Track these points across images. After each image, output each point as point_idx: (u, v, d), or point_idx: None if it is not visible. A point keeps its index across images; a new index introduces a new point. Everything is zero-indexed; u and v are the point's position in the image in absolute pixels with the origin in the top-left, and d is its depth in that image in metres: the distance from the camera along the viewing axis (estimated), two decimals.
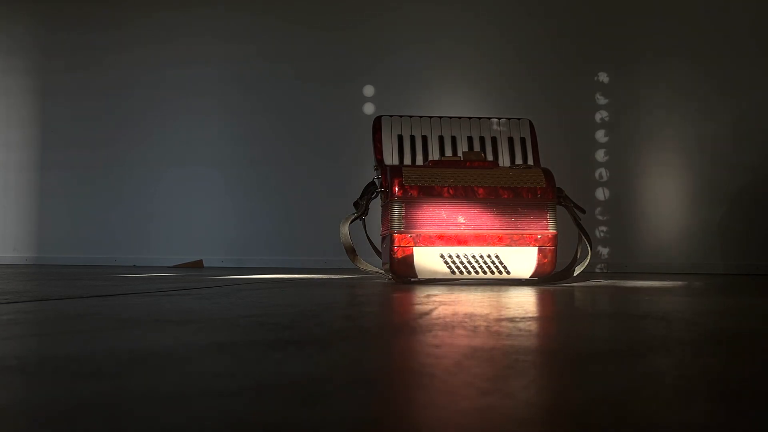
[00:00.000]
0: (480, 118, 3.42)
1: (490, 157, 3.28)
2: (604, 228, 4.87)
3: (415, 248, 2.82)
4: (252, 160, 5.46)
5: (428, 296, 2.10)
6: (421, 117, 3.37)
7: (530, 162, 3.30)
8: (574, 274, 3.07)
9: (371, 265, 3.33)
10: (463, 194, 2.85)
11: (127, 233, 5.62)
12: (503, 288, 2.58)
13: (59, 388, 0.74)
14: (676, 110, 4.89)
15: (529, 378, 0.82)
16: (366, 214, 3.11)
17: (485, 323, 1.35)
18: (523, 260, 2.86)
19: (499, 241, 2.84)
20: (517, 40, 5.14)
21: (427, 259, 2.83)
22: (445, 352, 1.01)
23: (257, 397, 0.70)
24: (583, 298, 2.22)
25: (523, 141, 3.36)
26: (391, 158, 3.23)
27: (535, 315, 1.57)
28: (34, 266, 5.06)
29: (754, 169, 4.78)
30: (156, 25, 5.71)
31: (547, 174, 2.94)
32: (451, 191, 2.84)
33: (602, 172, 4.93)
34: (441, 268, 2.84)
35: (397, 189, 2.83)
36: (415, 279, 2.93)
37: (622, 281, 3.31)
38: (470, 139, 3.34)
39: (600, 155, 4.94)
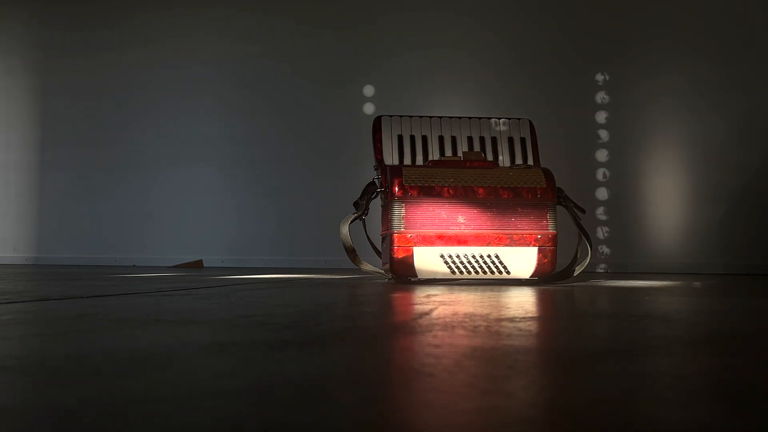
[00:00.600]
0: (480, 118, 3.42)
1: (490, 157, 3.28)
2: (604, 228, 4.87)
3: (415, 248, 2.82)
4: (252, 159, 5.46)
5: (428, 296, 2.10)
6: (421, 117, 3.37)
7: (530, 162, 3.30)
8: (574, 274, 3.07)
9: (371, 265, 3.33)
10: (463, 194, 2.85)
11: (127, 233, 5.62)
12: (503, 288, 2.58)
13: (59, 388, 0.74)
14: (676, 110, 4.89)
15: (530, 378, 0.82)
16: (366, 214, 3.11)
17: (485, 323, 1.35)
18: (523, 260, 2.86)
19: (499, 241, 2.84)
20: (518, 40, 5.13)
21: (427, 259, 2.83)
22: (445, 352, 1.01)
23: (257, 397, 0.70)
24: (583, 298, 2.22)
25: (523, 141, 3.36)
26: (391, 158, 3.23)
27: (535, 315, 1.57)
28: (34, 266, 5.06)
29: (754, 169, 4.78)
30: (156, 25, 5.71)
31: (547, 174, 2.94)
32: (451, 191, 2.84)
33: (602, 172, 4.93)
34: (441, 268, 2.84)
35: (397, 189, 2.83)
36: (415, 279, 2.93)
37: (622, 281, 3.31)
38: (470, 139, 3.34)
39: (600, 155, 4.94)
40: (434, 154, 3.26)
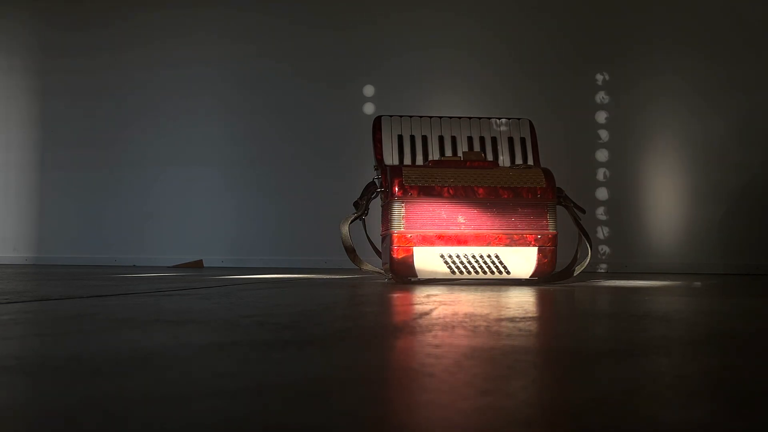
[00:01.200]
0: (480, 118, 3.42)
1: (490, 157, 3.28)
2: (604, 228, 4.87)
3: (415, 248, 2.82)
4: (252, 159, 5.46)
5: (428, 296, 2.10)
6: (421, 117, 3.37)
7: (530, 162, 3.30)
8: (574, 274, 3.07)
9: (371, 265, 3.33)
10: (463, 194, 2.85)
11: (127, 233, 5.62)
12: (503, 288, 2.58)
13: (59, 388, 0.74)
14: (676, 110, 4.89)
15: (529, 378, 0.82)
16: (366, 214, 3.11)
17: (485, 323, 1.35)
18: (523, 260, 2.86)
19: (499, 241, 2.84)
20: (518, 40, 5.14)
21: (427, 259, 2.83)
22: (445, 352, 1.01)
23: (257, 397, 0.70)
24: (583, 298, 2.22)
25: (523, 141, 3.36)
26: (391, 158, 3.23)
27: (535, 315, 1.57)
28: (34, 266, 5.06)
29: (754, 169, 4.78)
30: (156, 25, 5.71)
31: (547, 174, 2.94)
32: (451, 191, 2.84)
33: (602, 172, 4.93)
34: (441, 268, 2.84)
35: (397, 189, 2.83)
36: (415, 279, 2.93)
37: (622, 281, 3.32)
38: (470, 139, 3.34)
39: (600, 155, 4.94)
40: (434, 154, 3.26)
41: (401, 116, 3.35)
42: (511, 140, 3.36)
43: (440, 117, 3.39)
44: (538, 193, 2.88)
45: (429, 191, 2.84)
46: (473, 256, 2.84)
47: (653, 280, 3.45)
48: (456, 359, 0.94)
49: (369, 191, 3.09)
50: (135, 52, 5.71)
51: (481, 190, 2.86)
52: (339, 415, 0.63)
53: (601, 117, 4.95)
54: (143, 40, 5.71)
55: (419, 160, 3.25)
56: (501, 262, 2.85)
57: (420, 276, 2.88)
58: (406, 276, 2.88)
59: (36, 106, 5.91)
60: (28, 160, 5.87)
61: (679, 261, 4.77)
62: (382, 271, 3.17)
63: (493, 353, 0.99)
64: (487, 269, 2.85)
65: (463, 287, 2.60)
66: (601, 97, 4.96)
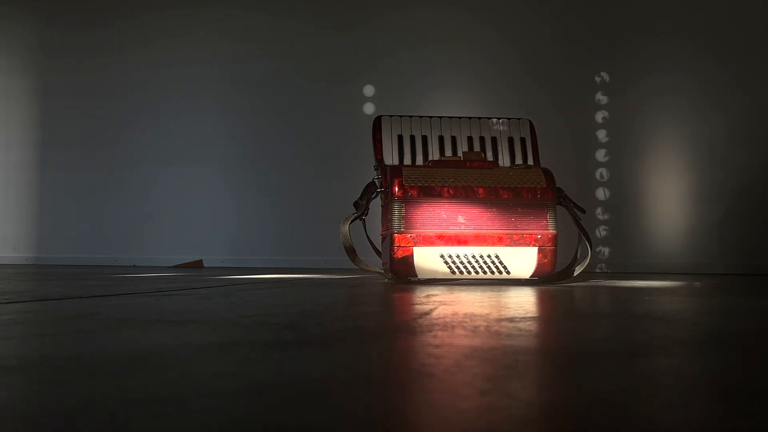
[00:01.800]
0: (480, 118, 3.42)
1: (490, 157, 3.28)
2: (604, 228, 4.87)
3: (415, 248, 2.82)
4: (252, 159, 5.46)
5: (428, 296, 2.10)
6: (421, 117, 3.37)
7: (530, 162, 3.30)
8: (574, 274, 3.07)
9: (371, 265, 3.33)
10: (463, 194, 2.85)
11: (127, 233, 5.62)
12: (503, 288, 2.58)
13: (59, 388, 0.74)
14: (676, 110, 4.89)
15: (529, 378, 0.82)
16: (366, 214, 3.11)
17: (485, 323, 1.35)
18: (523, 260, 2.86)
19: (499, 241, 2.84)
20: (518, 40, 5.13)
21: (427, 259, 2.83)
22: (445, 352, 1.01)
23: (257, 397, 0.70)
24: (583, 298, 2.22)
25: (523, 141, 3.36)
26: (391, 158, 3.23)
27: (535, 315, 1.57)
28: (34, 266, 5.06)
29: (754, 169, 4.78)
30: (156, 25, 5.71)
31: (547, 174, 2.94)
32: (451, 191, 2.84)
33: (602, 172, 4.93)
34: (441, 268, 2.84)
35: (397, 189, 2.83)
36: (415, 279, 2.93)
37: (622, 281, 3.31)
38: (470, 139, 3.34)
39: (600, 155, 4.94)
40: (434, 154, 3.26)
41: (401, 116, 3.35)
42: (511, 140, 3.36)
43: (440, 117, 3.39)
44: (538, 193, 2.88)
45: (429, 191, 2.84)
46: (473, 256, 2.84)
47: (653, 280, 3.45)
48: (456, 359, 0.94)
49: (369, 191, 3.09)
50: (135, 52, 5.71)
51: (481, 190, 2.86)
52: (339, 415, 0.63)
53: (601, 117, 4.95)
54: (143, 40, 5.71)
55: (419, 160, 3.25)
56: (501, 262, 2.85)
57: (420, 276, 2.88)
58: (406, 276, 2.88)
59: (36, 106, 5.91)
60: (28, 160, 5.88)
61: (679, 261, 4.77)
62: (382, 271, 3.17)
63: (493, 353, 0.99)
64: (487, 269, 2.85)
65: (463, 287, 2.60)
66: (601, 97, 4.96)
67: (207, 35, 5.59)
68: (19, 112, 5.93)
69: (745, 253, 4.70)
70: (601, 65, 4.98)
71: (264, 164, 5.44)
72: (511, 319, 1.42)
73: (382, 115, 3.36)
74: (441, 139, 3.32)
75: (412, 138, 3.29)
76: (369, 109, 5.26)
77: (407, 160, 3.24)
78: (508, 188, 2.87)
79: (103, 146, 5.72)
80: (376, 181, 3.11)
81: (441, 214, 2.84)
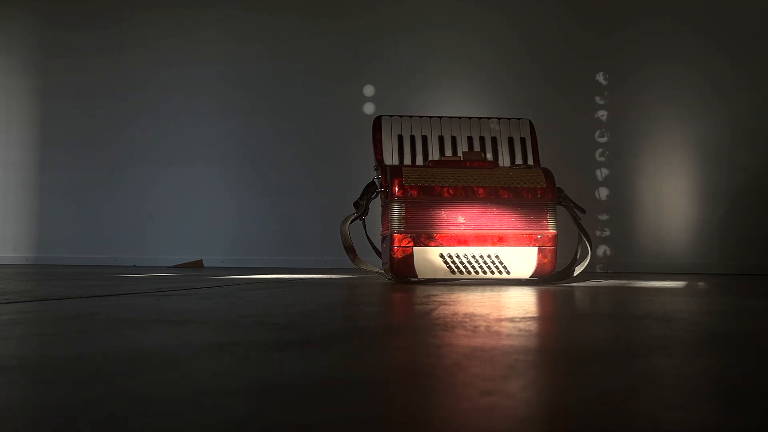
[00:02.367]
0: (480, 118, 3.42)
1: (490, 157, 3.28)
2: (604, 228, 4.87)
3: (415, 248, 2.82)
4: (252, 159, 5.46)
5: (428, 296, 2.10)
6: (421, 117, 3.37)
7: (530, 162, 3.30)
8: (574, 274, 3.07)
9: (371, 265, 3.33)
10: (463, 194, 2.85)
11: (127, 233, 5.62)
12: (503, 288, 2.58)
13: (59, 388, 0.74)
14: (676, 110, 4.89)
15: (529, 378, 0.82)
16: (366, 214, 3.11)
17: (485, 323, 1.35)
18: (523, 260, 2.86)
19: (499, 241, 2.84)
20: (518, 40, 5.13)
21: (427, 259, 2.83)
22: (445, 352, 1.01)
23: (257, 397, 0.70)
24: (582, 298, 2.22)
25: (523, 141, 3.36)
26: (391, 158, 3.23)
27: (535, 315, 1.57)
28: (34, 266, 5.06)
29: (753, 169, 4.78)
30: (156, 25, 5.71)
31: (547, 174, 2.94)
32: (451, 191, 2.84)
33: (602, 172, 4.93)
34: (441, 268, 2.84)
35: (397, 189, 2.83)
36: (415, 279, 2.93)
37: (622, 281, 3.31)
38: (470, 139, 3.34)
39: (600, 155, 4.94)
40: (434, 154, 3.26)
41: (401, 116, 3.35)
42: (511, 140, 3.36)
43: (440, 117, 3.39)
44: (538, 193, 2.88)
45: (429, 191, 2.84)
46: (473, 256, 2.84)
47: (653, 280, 3.45)
48: (456, 359, 0.94)
49: (369, 191, 3.09)
50: (135, 52, 5.71)
51: (481, 190, 2.86)
52: (339, 415, 0.63)
53: (601, 117, 4.95)
54: (143, 40, 5.71)
55: (419, 160, 3.25)
56: (501, 262, 2.85)
57: (420, 276, 2.88)
58: (406, 276, 2.88)
59: (36, 106, 5.91)
60: (28, 160, 5.88)
61: (679, 261, 4.77)
62: (382, 271, 3.17)
63: (493, 353, 0.99)
64: (487, 269, 2.85)
65: (463, 287, 2.60)
66: (601, 97, 4.96)
67: (207, 35, 5.59)
68: (19, 112, 5.93)
69: (746, 253, 4.70)
70: (602, 65, 4.98)
71: (264, 164, 5.43)
72: (512, 319, 1.42)
73: (382, 115, 3.36)
74: (441, 139, 3.32)
75: (412, 138, 3.29)
76: (369, 109, 5.26)
77: (407, 160, 3.24)
78: (508, 188, 2.87)
79: (103, 146, 5.72)
80: (376, 181, 3.11)
81: (441, 214, 2.84)
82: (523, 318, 1.46)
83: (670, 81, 4.88)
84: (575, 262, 3.06)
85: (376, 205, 3.13)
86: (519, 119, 3.43)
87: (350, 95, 5.31)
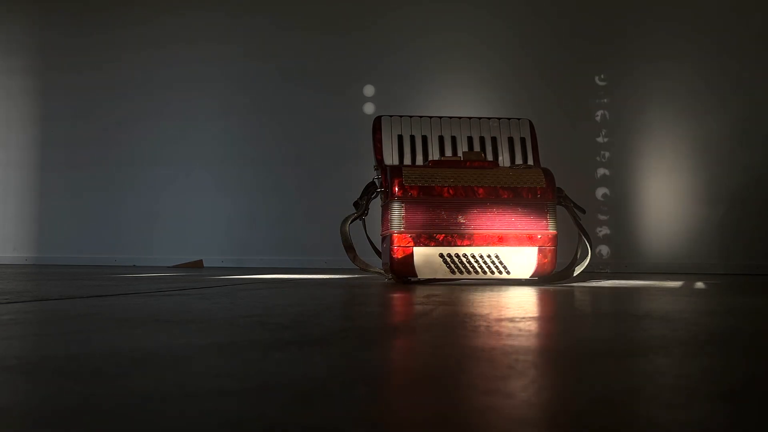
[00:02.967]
0: (480, 118, 3.42)
1: (490, 157, 3.28)
2: (604, 228, 4.87)
3: (415, 248, 2.81)
4: (252, 159, 5.46)
5: (428, 296, 2.10)
6: (421, 117, 3.37)
7: (530, 162, 3.30)
8: (574, 274, 3.07)
9: (371, 265, 3.33)
10: (463, 194, 2.85)
11: (127, 233, 5.62)
12: (503, 288, 2.58)
13: (59, 388, 0.74)
14: (676, 110, 4.89)
15: (530, 378, 0.82)
16: (366, 214, 3.11)
17: (485, 323, 1.35)
18: (523, 260, 2.86)
19: (499, 241, 2.84)
20: (518, 40, 5.14)
21: (427, 259, 2.83)
22: (445, 352, 1.01)
23: (257, 397, 0.70)
24: (582, 298, 2.22)
25: (523, 141, 3.36)
26: (391, 158, 3.23)
27: (535, 315, 1.57)
28: (34, 266, 5.06)
29: (754, 169, 4.78)
30: (156, 26, 5.71)
31: (547, 174, 2.94)
32: (451, 191, 2.84)
33: (602, 172, 4.93)
34: (441, 268, 2.84)
35: (397, 189, 2.83)
36: (415, 279, 2.93)
37: (622, 281, 3.31)
38: (470, 139, 3.34)
39: (600, 155, 4.93)
40: (434, 154, 3.26)
41: (401, 116, 3.35)
42: (511, 140, 3.36)
43: (440, 117, 3.39)
44: (538, 193, 2.88)
45: (429, 191, 2.84)
46: (473, 256, 2.84)
47: (653, 280, 3.45)
48: (456, 359, 0.94)
49: (369, 191, 3.09)
50: (135, 52, 5.71)
51: (481, 190, 2.86)
52: (339, 415, 0.63)
53: (601, 117, 4.95)
54: (143, 40, 5.71)
55: (419, 160, 3.25)
56: (501, 262, 2.85)
57: (420, 276, 2.88)
58: (406, 276, 2.88)
59: (36, 106, 5.91)
60: (28, 160, 5.88)
61: (679, 261, 4.77)
62: (382, 271, 3.17)
63: (493, 353, 0.99)
64: (487, 269, 2.85)
65: (463, 287, 2.60)
66: (601, 97, 4.96)
67: (207, 36, 5.60)
68: (19, 112, 5.93)
69: (746, 253, 4.70)
70: (602, 65, 4.98)
71: (264, 164, 5.44)
72: (512, 319, 1.42)
73: (382, 115, 3.36)
74: (441, 139, 3.32)
75: (412, 138, 3.29)
76: (369, 109, 5.26)
77: (407, 160, 3.24)
78: (508, 188, 2.87)
79: (103, 146, 5.72)
80: (376, 181, 3.11)
81: (441, 214, 2.84)
82: (523, 318, 1.46)
83: (670, 81, 4.88)
84: (575, 262, 3.06)
85: (376, 205, 3.13)
86: (519, 119, 3.43)
87: (350, 95, 5.31)
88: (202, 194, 5.52)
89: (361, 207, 3.08)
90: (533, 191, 2.88)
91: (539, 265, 2.87)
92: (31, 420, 0.62)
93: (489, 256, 2.85)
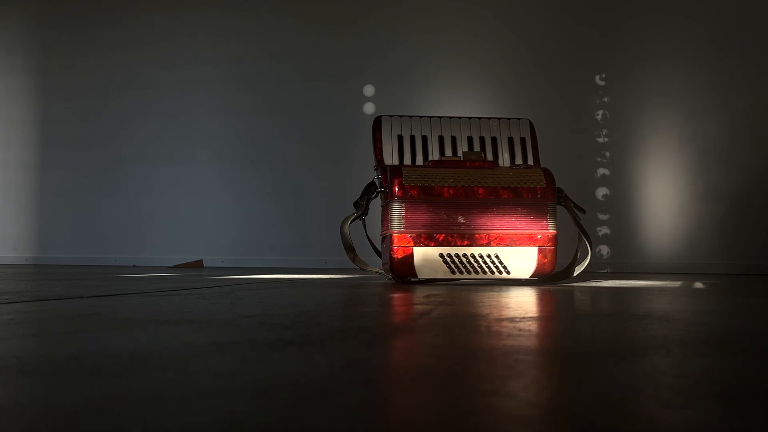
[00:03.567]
0: (480, 118, 3.42)
1: (490, 157, 3.28)
2: (604, 228, 4.87)
3: (415, 248, 2.81)
4: (252, 159, 5.46)
5: (428, 296, 2.10)
6: (421, 117, 3.37)
7: (530, 162, 3.30)
8: (574, 274, 3.07)
9: (371, 265, 3.33)
10: (463, 194, 2.85)
11: (127, 233, 5.62)
12: (503, 288, 2.58)
13: (59, 388, 0.74)
14: (676, 110, 4.89)
15: (530, 378, 0.82)
16: (366, 214, 3.11)
17: (485, 323, 1.35)
18: (523, 260, 2.86)
19: (499, 241, 2.84)
20: (518, 39, 5.14)
21: (427, 259, 2.83)
22: (445, 352, 1.01)
23: (257, 397, 0.70)
24: (582, 298, 2.22)
25: (523, 141, 3.36)
26: (391, 158, 3.23)
27: (535, 315, 1.57)
28: (34, 266, 5.06)
29: (754, 169, 4.78)
30: (156, 25, 5.71)
31: (547, 174, 2.94)
32: (451, 191, 2.84)
33: (602, 172, 4.93)
34: (441, 268, 2.84)
35: (397, 189, 2.83)
36: (415, 279, 2.93)
37: (622, 281, 3.31)
38: (470, 139, 3.34)
39: (600, 155, 4.93)
40: (434, 154, 3.26)
41: (401, 116, 3.35)
42: (511, 140, 3.36)
43: (440, 117, 3.39)
44: (538, 193, 2.88)
45: (429, 191, 2.84)
46: (473, 256, 2.84)
47: (653, 280, 3.45)
48: (456, 359, 0.94)
49: (369, 191, 3.09)
50: (135, 52, 5.71)
51: (481, 190, 2.86)
52: (339, 415, 0.63)
53: (601, 117, 4.95)
54: (143, 40, 5.71)
55: (419, 160, 3.25)
56: (501, 262, 2.85)
57: (420, 276, 2.88)
58: (406, 276, 2.88)
59: (36, 106, 5.91)
60: (28, 160, 5.88)
61: (679, 261, 4.77)
62: (382, 271, 3.17)
63: (493, 353, 0.99)
64: (487, 269, 2.85)
65: (463, 287, 2.60)
66: (601, 96, 4.96)
67: (207, 35, 5.60)
68: (19, 112, 5.93)
69: (746, 252, 4.70)
70: (602, 65, 4.98)
71: (264, 164, 5.44)
72: (512, 319, 1.42)
73: (382, 115, 3.36)
74: (441, 139, 3.32)
75: (412, 138, 3.29)
76: (369, 109, 5.26)
77: (407, 160, 3.24)
78: (508, 188, 2.87)
79: (102, 146, 5.72)
80: (376, 181, 3.11)
81: (441, 214, 2.84)
82: (523, 318, 1.46)
83: (670, 81, 4.88)
84: (575, 262, 3.06)
85: (376, 205, 3.13)
86: (519, 119, 3.43)
87: (350, 95, 5.31)
88: (202, 194, 5.52)
89: (361, 207, 3.08)
90: (533, 191, 2.88)
91: (539, 265, 2.87)
92: (31, 420, 0.62)
93: (489, 256, 2.85)
